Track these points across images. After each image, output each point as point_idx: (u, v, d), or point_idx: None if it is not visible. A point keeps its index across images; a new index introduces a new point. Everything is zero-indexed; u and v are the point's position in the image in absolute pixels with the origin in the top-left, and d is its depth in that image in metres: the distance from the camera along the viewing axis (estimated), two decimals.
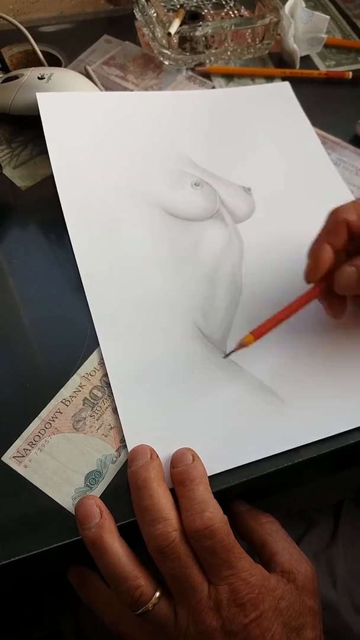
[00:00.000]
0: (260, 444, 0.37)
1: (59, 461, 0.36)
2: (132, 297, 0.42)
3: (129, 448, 0.36)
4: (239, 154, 0.53)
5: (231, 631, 0.32)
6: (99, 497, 0.35)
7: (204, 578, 0.33)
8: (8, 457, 0.36)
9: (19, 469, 0.35)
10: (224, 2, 0.65)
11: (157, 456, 0.35)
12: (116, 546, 0.33)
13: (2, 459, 0.36)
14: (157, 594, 0.33)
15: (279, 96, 0.58)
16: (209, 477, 0.35)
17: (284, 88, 0.59)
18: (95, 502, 0.34)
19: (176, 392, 0.38)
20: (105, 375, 0.39)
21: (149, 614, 0.33)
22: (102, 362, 0.39)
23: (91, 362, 0.40)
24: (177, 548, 0.32)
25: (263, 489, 0.42)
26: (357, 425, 0.38)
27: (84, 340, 0.40)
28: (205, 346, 0.41)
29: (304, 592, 0.35)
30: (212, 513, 0.33)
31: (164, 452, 0.36)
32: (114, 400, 0.38)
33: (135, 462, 0.35)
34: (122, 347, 0.40)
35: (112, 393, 0.38)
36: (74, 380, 0.39)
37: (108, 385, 0.39)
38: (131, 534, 0.34)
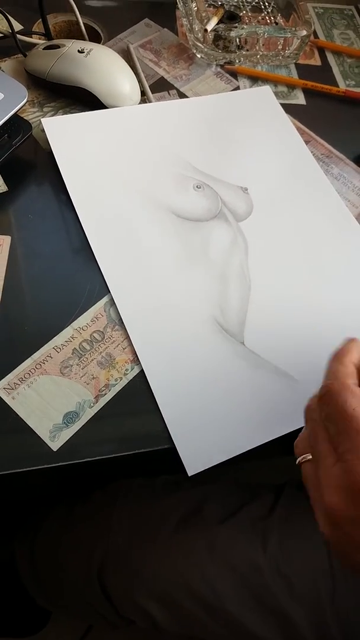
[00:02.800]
0: (284, 421, 0.43)
1: (43, 398, 0.41)
2: (154, 296, 0.46)
3: (172, 435, 0.40)
4: (233, 156, 0.57)
5: (337, 524, 0.30)
6: (73, 435, 0.40)
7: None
8: None
9: (7, 399, 0.40)
10: (262, 7, 0.68)
11: None
12: None
13: None
14: None
15: (264, 100, 0.62)
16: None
17: (266, 92, 0.63)
18: None
19: (209, 382, 0.43)
20: (96, 331, 0.44)
21: None
22: (94, 320, 0.44)
23: (85, 318, 0.44)
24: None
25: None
26: None
27: (82, 298, 0.45)
28: (226, 339, 0.46)
29: None
30: (329, 380, 0.33)
31: (205, 430, 0.41)
32: (103, 354, 0.43)
33: None
34: (153, 347, 0.44)
35: (98, 347, 0.43)
36: (67, 332, 0.43)
37: (96, 340, 0.43)
38: (107, 467, 0.38)
